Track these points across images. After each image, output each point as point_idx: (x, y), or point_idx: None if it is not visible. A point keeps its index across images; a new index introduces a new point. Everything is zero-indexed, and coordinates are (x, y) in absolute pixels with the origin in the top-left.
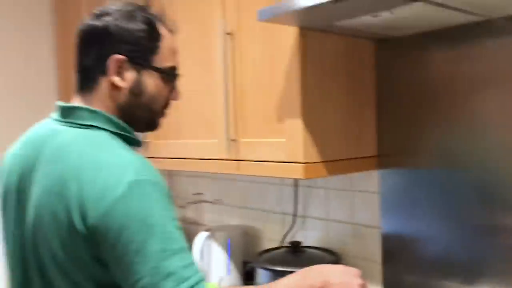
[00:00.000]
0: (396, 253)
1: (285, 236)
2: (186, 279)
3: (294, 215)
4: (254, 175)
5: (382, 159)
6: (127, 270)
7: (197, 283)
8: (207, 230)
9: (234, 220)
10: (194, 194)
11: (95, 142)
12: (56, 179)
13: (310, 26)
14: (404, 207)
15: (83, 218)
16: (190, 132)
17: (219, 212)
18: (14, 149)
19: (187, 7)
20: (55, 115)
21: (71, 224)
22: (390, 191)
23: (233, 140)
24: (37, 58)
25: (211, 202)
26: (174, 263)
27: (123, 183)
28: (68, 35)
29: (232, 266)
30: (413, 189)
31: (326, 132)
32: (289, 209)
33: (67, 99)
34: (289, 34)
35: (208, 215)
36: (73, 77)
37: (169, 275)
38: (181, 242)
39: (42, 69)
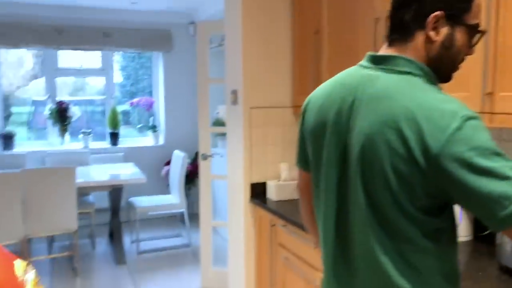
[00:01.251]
0: None
1: None
2: None
3: None
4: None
5: None
6: (478, 189)
7: None
8: None
9: None
10: None
11: (419, 86)
12: (386, 114)
13: None
14: None
15: (424, 151)
16: None
17: None
18: (324, 91)
19: None
20: (365, 63)
21: (410, 157)
22: None
23: (488, 94)
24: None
25: None
26: None
27: (457, 118)
28: (302, 17)
29: (463, 215)
30: None
31: None
32: None
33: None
34: None
35: None
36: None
37: None
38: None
39: (281, 40)
